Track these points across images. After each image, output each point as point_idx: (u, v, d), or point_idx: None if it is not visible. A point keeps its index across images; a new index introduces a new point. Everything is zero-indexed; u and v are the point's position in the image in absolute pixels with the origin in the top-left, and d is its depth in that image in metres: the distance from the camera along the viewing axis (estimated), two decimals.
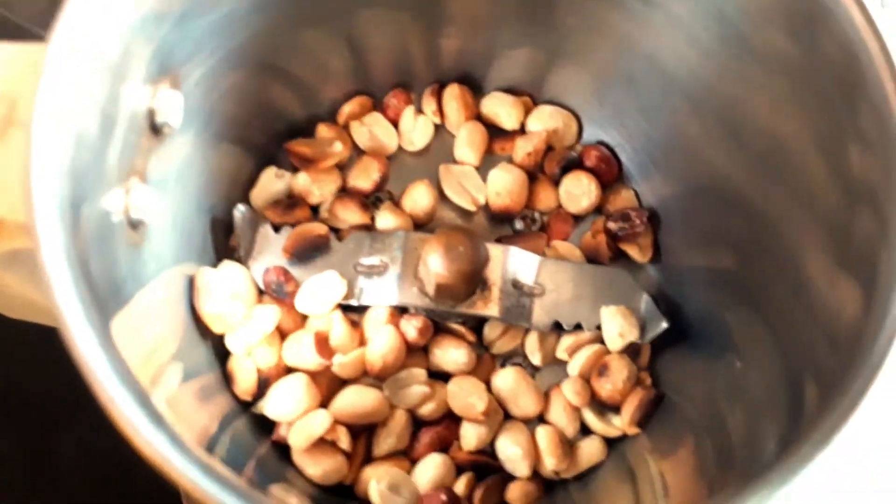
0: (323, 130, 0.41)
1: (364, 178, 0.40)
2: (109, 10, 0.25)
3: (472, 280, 0.37)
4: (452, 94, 0.41)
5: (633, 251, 0.40)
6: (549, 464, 0.36)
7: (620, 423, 0.37)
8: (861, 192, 0.28)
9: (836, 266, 0.29)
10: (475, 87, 0.43)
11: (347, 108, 0.41)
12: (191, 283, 0.35)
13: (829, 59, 0.29)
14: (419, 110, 0.42)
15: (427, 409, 0.36)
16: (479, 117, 0.42)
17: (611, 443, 0.38)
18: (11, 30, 0.32)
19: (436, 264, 0.36)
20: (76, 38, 0.24)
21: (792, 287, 0.31)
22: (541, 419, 0.38)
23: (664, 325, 0.38)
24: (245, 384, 0.35)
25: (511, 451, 0.36)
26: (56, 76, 0.23)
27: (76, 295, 0.21)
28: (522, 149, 0.41)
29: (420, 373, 0.36)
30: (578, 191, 0.41)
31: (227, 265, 0.36)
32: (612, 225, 0.40)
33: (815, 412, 0.26)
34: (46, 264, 0.21)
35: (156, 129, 0.30)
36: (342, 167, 0.41)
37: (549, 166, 0.41)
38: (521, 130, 0.42)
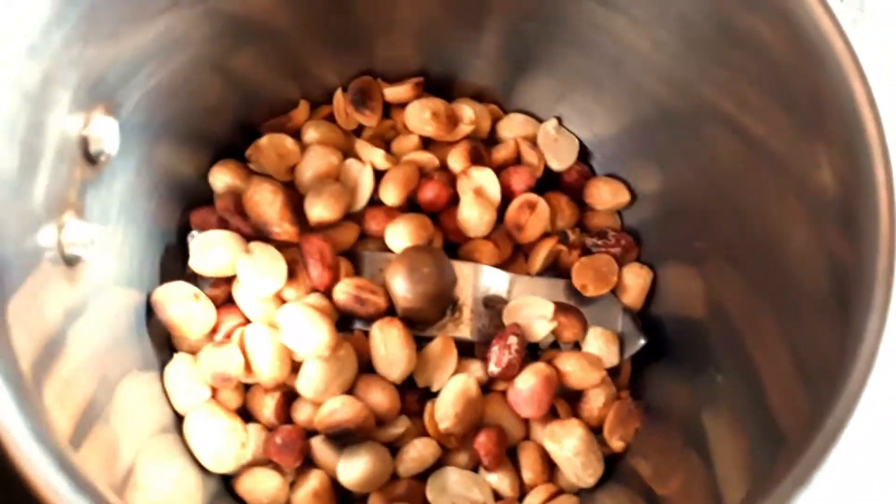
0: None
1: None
2: (26, 32, 0.23)
3: (440, 302, 0.35)
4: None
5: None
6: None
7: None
8: (831, 210, 0.26)
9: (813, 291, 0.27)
10: (443, 95, 0.41)
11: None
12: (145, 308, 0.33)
13: (794, 62, 0.27)
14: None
15: None
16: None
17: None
18: None
19: (400, 287, 0.34)
20: None
21: (772, 309, 0.30)
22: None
23: (642, 341, 0.37)
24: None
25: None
26: None
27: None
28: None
29: None
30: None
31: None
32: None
33: (797, 439, 0.25)
34: None
35: (91, 159, 0.28)
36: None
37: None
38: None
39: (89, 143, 0.28)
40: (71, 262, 0.27)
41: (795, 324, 0.29)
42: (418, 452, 0.33)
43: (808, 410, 0.27)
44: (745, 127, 0.31)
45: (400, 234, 0.35)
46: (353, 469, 0.32)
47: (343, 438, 0.33)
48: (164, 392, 0.33)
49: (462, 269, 0.36)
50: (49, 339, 0.24)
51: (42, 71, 0.24)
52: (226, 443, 0.32)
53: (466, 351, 0.36)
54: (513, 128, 0.40)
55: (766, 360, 0.31)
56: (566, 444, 0.33)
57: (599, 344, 0.36)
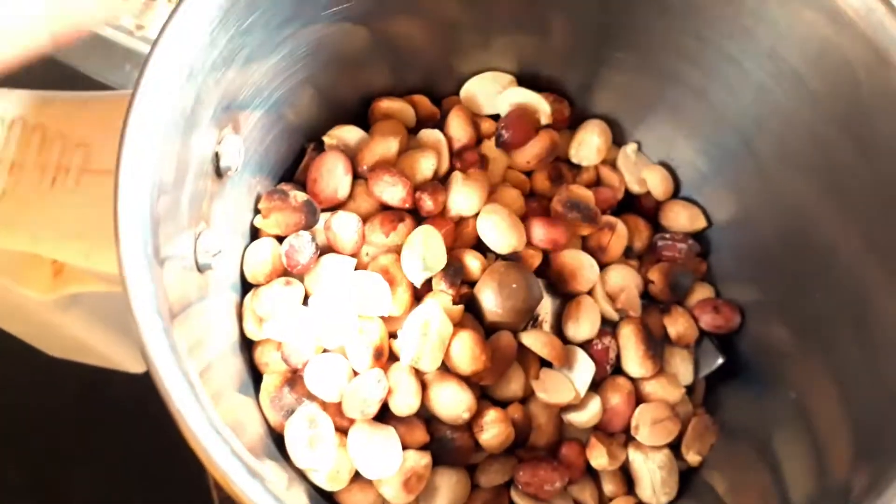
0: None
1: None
2: (188, 56, 0.26)
3: (526, 316, 0.37)
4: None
5: None
6: None
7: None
8: None
9: None
10: None
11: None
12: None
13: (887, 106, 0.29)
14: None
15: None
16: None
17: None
18: (80, 80, 0.33)
19: (489, 301, 0.36)
20: (158, 86, 0.24)
21: (853, 330, 0.31)
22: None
23: (720, 360, 0.38)
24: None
25: None
26: (140, 128, 0.24)
27: (166, 343, 0.21)
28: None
29: None
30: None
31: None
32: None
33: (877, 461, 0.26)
34: (138, 312, 0.21)
35: (219, 173, 0.31)
36: None
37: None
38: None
39: (220, 158, 0.30)
40: (202, 269, 0.29)
41: (880, 352, 0.30)
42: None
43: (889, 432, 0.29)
44: (830, 165, 0.32)
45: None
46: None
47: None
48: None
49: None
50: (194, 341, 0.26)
51: (195, 92, 0.26)
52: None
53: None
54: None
55: (844, 380, 0.33)
56: (653, 456, 0.35)
57: (676, 361, 0.38)
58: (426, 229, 0.35)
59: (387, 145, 0.37)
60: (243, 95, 0.31)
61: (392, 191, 0.36)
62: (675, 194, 0.41)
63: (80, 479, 0.59)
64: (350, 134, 0.38)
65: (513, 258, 0.37)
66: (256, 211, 0.36)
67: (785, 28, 0.32)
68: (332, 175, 0.36)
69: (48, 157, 0.28)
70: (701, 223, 0.40)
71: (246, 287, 0.35)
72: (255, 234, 0.36)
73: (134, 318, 0.21)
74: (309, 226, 0.35)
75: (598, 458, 0.35)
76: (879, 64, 0.29)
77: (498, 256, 0.37)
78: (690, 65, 0.36)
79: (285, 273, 0.35)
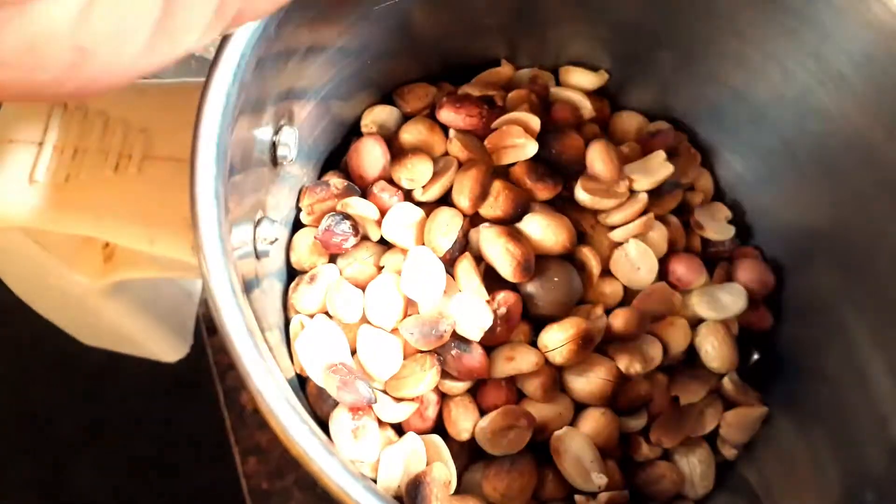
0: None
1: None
2: (256, 48, 0.26)
3: (568, 308, 0.37)
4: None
5: None
6: None
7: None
8: None
9: None
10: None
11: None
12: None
13: None
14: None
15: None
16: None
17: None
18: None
19: (532, 293, 0.36)
20: (230, 78, 0.25)
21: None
22: None
23: (756, 356, 0.38)
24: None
25: None
26: (213, 115, 0.24)
27: (243, 324, 0.22)
28: None
29: None
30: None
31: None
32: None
33: None
34: (217, 297, 0.22)
35: (276, 163, 0.31)
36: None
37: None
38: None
39: (277, 148, 0.31)
40: (260, 256, 0.30)
41: None
42: None
43: None
44: (873, 170, 0.33)
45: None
46: None
47: None
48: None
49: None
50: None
51: (260, 84, 0.27)
52: None
53: None
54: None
55: (881, 376, 0.33)
56: (696, 452, 0.36)
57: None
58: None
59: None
60: (300, 87, 0.32)
61: None
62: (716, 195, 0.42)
63: (84, 474, 0.59)
64: (383, 115, 0.39)
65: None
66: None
67: (831, 29, 0.32)
68: (371, 159, 0.37)
69: (110, 143, 0.28)
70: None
71: (291, 276, 0.36)
72: (299, 224, 0.36)
73: (213, 299, 0.21)
74: None
75: None
76: None
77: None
78: (733, 65, 0.37)
79: (331, 258, 0.36)
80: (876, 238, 0.34)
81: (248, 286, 0.27)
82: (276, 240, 0.31)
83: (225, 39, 0.25)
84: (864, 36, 0.31)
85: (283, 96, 0.30)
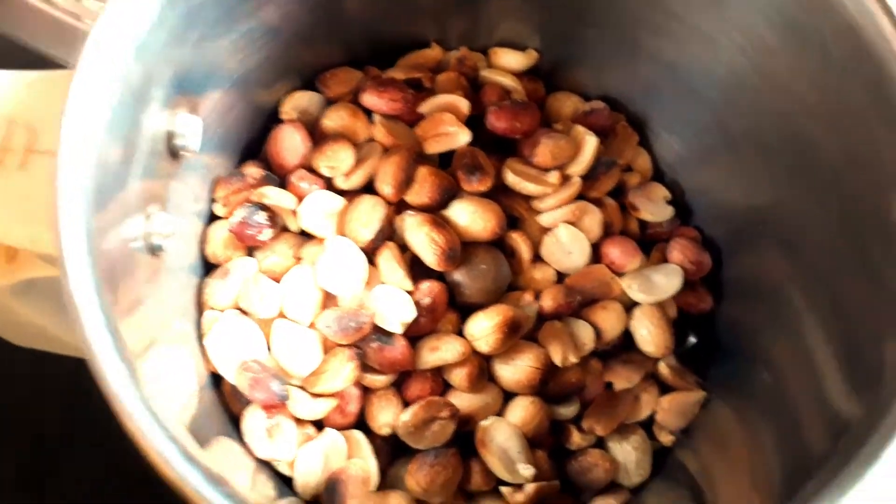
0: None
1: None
2: (135, 33, 0.25)
3: (496, 295, 0.36)
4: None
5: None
6: None
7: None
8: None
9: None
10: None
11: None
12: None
13: (857, 71, 0.28)
14: None
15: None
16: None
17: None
18: (33, 59, 0.32)
19: (458, 281, 0.35)
20: (103, 63, 0.24)
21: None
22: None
23: (692, 339, 0.37)
24: None
25: None
26: (82, 103, 0.23)
27: (105, 327, 0.21)
28: None
29: None
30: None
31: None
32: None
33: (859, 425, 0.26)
34: (74, 295, 0.20)
35: (174, 154, 0.30)
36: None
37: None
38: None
39: (174, 138, 0.29)
40: (153, 251, 0.29)
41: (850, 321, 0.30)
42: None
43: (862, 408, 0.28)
44: (804, 139, 0.32)
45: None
46: None
47: None
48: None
49: None
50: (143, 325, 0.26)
51: (144, 69, 0.26)
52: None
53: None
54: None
55: (818, 357, 0.32)
56: (628, 437, 0.35)
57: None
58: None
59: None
60: (201, 72, 0.30)
61: None
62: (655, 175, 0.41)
63: (70, 473, 0.58)
64: (304, 100, 0.38)
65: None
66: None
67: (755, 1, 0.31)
68: (289, 147, 0.36)
69: None
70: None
71: (208, 268, 0.35)
72: (215, 216, 0.35)
73: (69, 298, 0.20)
74: None
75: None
76: (848, 31, 0.28)
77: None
78: (661, 40, 0.35)
79: (248, 251, 0.35)
80: (814, 218, 0.33)
81: (133, 280, 0.26)
82: (173, 233, 0.29)
83: (97, 23, 0.24)
84: (788, 5, 0.30)
85: (180, 82, 0.29)
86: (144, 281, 0.27)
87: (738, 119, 0.35)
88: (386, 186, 0.35)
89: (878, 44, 0.28)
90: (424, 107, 0.38)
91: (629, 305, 0.37)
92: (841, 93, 0.29)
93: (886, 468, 0.25)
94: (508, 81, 0.39)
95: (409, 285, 0.34)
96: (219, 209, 0.35)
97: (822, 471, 0.28)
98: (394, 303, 0.33)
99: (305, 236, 0.35)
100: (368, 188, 0.36)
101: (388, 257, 0.35)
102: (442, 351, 0.34)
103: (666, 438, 0.36)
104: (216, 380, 0.33)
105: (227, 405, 0.33)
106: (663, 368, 0.37)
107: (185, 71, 0.29)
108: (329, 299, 0.34)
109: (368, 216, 0.35)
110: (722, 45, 0.33)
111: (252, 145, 0.37)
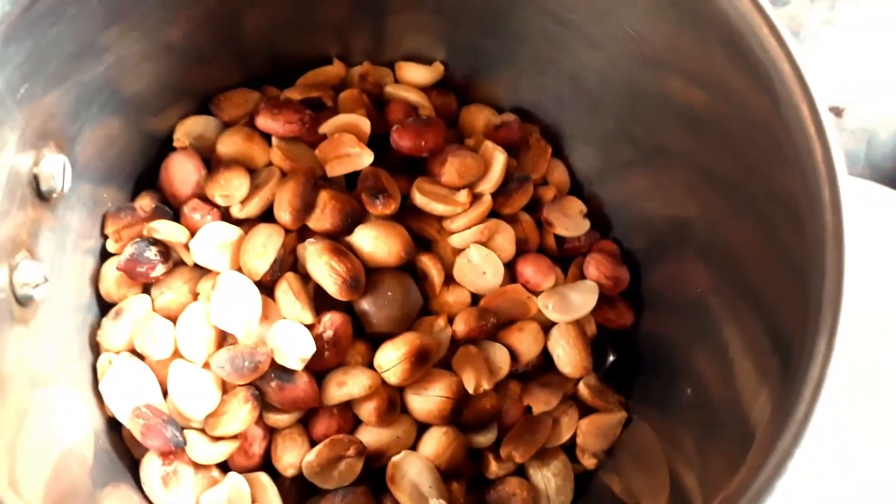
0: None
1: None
2: None
3: (405, 323, 0.35)
4: None
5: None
6: None
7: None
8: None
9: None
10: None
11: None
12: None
13: (744, 75, 0.27)
14: None
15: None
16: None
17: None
18: None
19: (365, 310, 0.34)
20: None
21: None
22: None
23: (611, 357, 0.36)
24: None
25: None
26: None
27: None
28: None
29: None
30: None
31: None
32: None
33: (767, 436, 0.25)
34: None
35: (43, 197, 0.28)
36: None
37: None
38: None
39: (40, 181, 0.28)
40: (23, 302, 0.27)
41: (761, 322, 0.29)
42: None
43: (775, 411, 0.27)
44: (698, 146, 0.31)
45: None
46: None
47: None
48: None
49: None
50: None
51: None
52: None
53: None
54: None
55: (738, 367, 0.31)
56: (548, 464, 0.34)
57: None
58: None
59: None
60: (68, 103, 0.29)
61: None
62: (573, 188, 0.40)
63: None
64: (199, 126, 0.36)
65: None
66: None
67: (643, 8, 0.30)
68: (182, 176, 0.35)
69: None
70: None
71: (106, 307, 0.33)
72: (107, 253, 0.34)
73: None
74: None
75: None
76: (737, 37, 0.27)
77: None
78: (559, 51, 0.34)
79: (144, 288, 0.33)
80: (728, 221, 0.32)
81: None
82: (46, 281, 0.28)
83: None
84: (674, 13, 0.29)
85: (39, 124, 0.27)
86: (20, 329, 0.26)
87: (639, 126, 0.34)
88: (284, 214, 0.34)
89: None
90: (325, 127, 0.36)
91: (547, 325, 0.36)
92: (735, 99, 0.29)
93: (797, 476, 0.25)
94: (414, 97, 0.38)
95: (308, 318, 0.33)
96: (111, 245, 0.33)
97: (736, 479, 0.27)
98: (292, 338, 0.32)
99: (202, 269, 0.34)
100: (269, 216, 0.35)
101: (286, 289, 0.33)
102: (349, 385, 0.33)
103: (589, 462, 0.35)
104: (116, 425, 0.31)
105: (129, 451, 0.31)
106: (583, 389, 0.35)
107: (46, 109, 0.27)
108: (227, 337, 0.33)
109: (265, 247, 0.33)
110: (614, 54, 0.32)
111: (148, 174, 0.36)
